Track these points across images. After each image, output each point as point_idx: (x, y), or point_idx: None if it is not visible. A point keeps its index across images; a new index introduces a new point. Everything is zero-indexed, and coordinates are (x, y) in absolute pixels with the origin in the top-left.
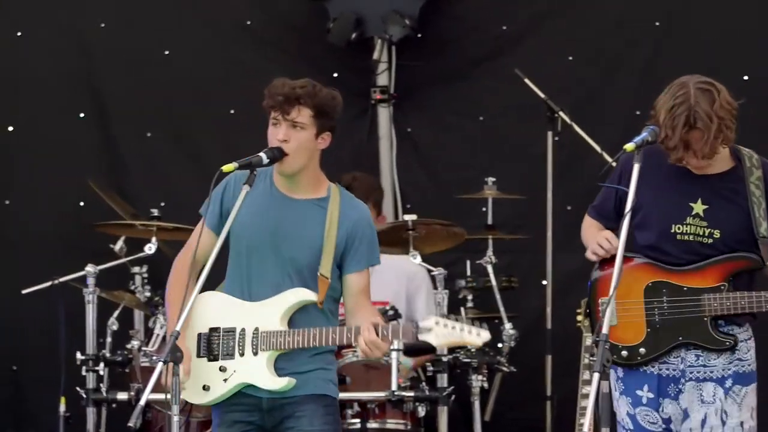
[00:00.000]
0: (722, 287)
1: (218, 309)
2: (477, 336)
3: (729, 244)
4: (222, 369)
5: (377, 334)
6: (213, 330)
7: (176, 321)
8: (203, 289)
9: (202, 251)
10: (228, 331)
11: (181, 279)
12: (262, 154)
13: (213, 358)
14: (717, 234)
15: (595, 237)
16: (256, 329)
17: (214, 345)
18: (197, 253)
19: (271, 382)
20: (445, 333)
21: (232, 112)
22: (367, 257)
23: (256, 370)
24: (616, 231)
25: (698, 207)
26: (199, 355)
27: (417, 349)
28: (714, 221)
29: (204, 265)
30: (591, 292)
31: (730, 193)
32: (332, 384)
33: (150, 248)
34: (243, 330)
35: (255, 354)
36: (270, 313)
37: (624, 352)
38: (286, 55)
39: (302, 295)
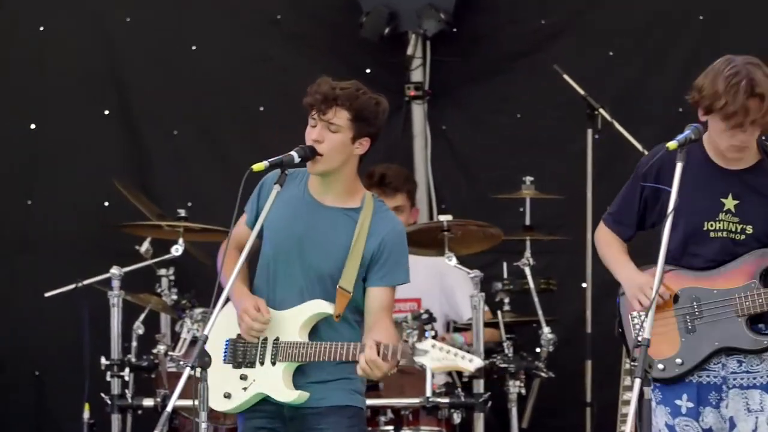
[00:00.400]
0: (752, 285)
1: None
2: (470, 362)
3: (761, 239)
4: (243, 377)
5: (378, 354)
6: (239, 336)
7: (230, 287)
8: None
9: (240, 241)
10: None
11: (229, 256)
12: (293, 153)
13: (237, 365)
14: (749, 230)
15: (628, 275)
16: (277, 339)
17: (239, 352)
18: (240, 245)
19: (284, 394)
20: (440, 356)
21: (261, 109)
22: (391, 274)
23: (272, 381)
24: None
25: (729, 202)
26: (225, 362)
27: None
28: (746, 216)
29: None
30: (620, 308)
31: (760, 186)
32: (357, 394)
33: (177, 250)
34: (265, 339)
35: (273, 364)
36: (291, 324)
37: (660, 365)
38: (317, 50)
39: (319, 307)
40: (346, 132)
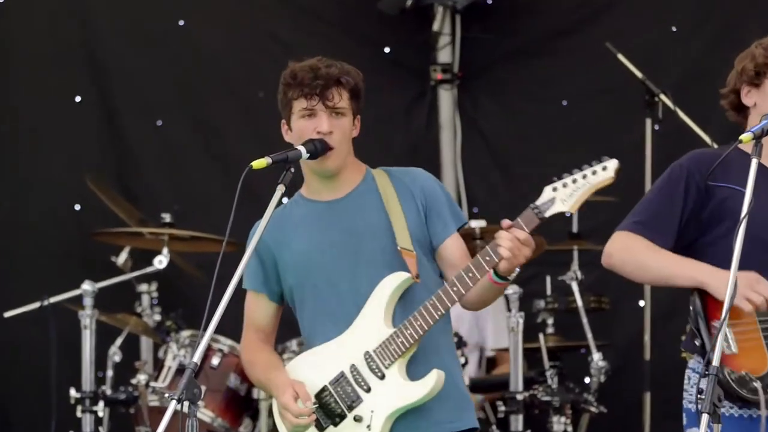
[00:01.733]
0: None
1: (313, 367)
2: (603, 170)
3: None
4: (357, 419)
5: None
6: (322, 392)
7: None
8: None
9: (263, 321)
10: (336, 381)
11: (256, 355)
12: (300, 147)
13: (340, 418)
14: None
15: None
16: (366, 353)
17: (332, 405)
18: (258, 324)
19: (419, 389)
20: (570, 192)
21: (261, 95)
22: (453, 217)
23: (396, 392)
24: (674, 249)
25: None
26: (323, 429)
27: (488, 384)
28: None
29: (273, 334)
30: (696, 314)
31: None
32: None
33: (160, 262)
34: (352, 366)
35: (382, 378)
36: (369, 326)
37: (755, 384)
38: (328, 26)
39: (392, 282)
40: (349, 114)
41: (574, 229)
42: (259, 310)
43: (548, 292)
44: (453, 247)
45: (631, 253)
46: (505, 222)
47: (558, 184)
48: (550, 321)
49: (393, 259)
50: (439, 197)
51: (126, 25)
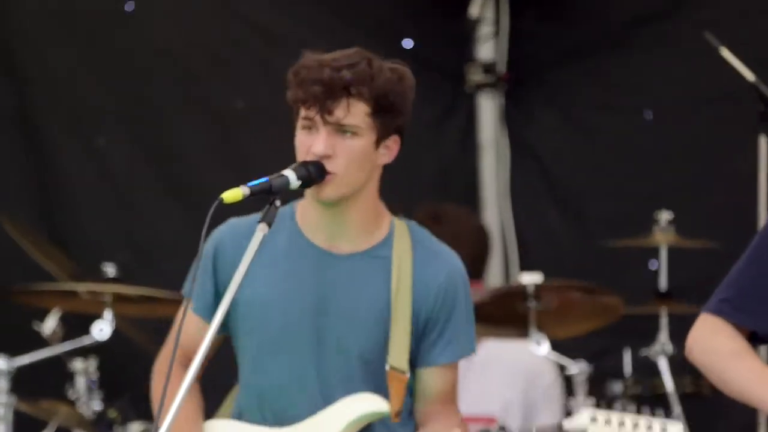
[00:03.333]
0: None
1: None
2: None
3: None
4: None
5: None
6: None
7: None
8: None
9: (189, 348)
10: None
11: (172, 374)
12: (288, 173)
13: None
14: None
15: None
16: None
17: None
18: (187, 346)
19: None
20: None
21: (240, 106)
22: (459, 343)
23: None
24: None
25: None
26: None
27: None
28: None
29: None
30: None
31: None
32: None
33: (101, 330)
34: None
35: None
36: None
37: None
38: (331, 14)
39: (365, 407)
40: (368, 134)
41: (663, 285)
42: (194, 331)
43: (627, 371)
44: (438, 379)
45: (711, 358)
46: None
47: (600, 416)
48: (630, 410)
49: (376, 373)
50: (458, 311)
51: (55, 9)
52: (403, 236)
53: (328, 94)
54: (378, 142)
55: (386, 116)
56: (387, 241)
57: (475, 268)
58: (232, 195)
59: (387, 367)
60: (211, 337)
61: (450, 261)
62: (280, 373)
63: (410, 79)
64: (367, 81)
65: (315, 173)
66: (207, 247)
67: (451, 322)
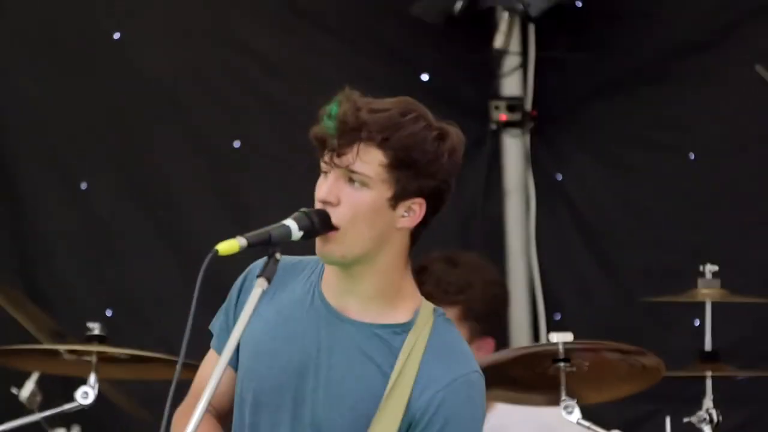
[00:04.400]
0: None
1: None
2: None
3: None
4: None
5: None
6: None
7: None
8: None
9: (217, 394)
10: None
11: (185, 414)
12: (289, 223)
13: None
14: None
15: None
16: None
17: None
18: (192, 392)
19: None
20: None
21: (236, 145)
22: None
23: None
24: None
25: None
26: None
27: None
28: None
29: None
30: None
31: None
32: None
33: (85, 395)
34: None
35: None
36: None
37: None
38: (342, 43)
39: None
40: (380, 188)
41: (708, 346)
42: (211, 373)
43: None
44: None
45: None
46: None
47: None
48: None
49: None
50: (451, 428)
51: (33, 38)
52: (425, 324)
53: (340, 133)
54: (394, 201)
55: (406, 173)
56: (405, 327)
57: (488, 323)
58: (228, 247)
59: None
60: (220, 372)
61: (462, 365)
62: (259, 425)
63: (455, 140)
64: (389, 128)
65: (318, 224)
66: (238, 279)
67: None
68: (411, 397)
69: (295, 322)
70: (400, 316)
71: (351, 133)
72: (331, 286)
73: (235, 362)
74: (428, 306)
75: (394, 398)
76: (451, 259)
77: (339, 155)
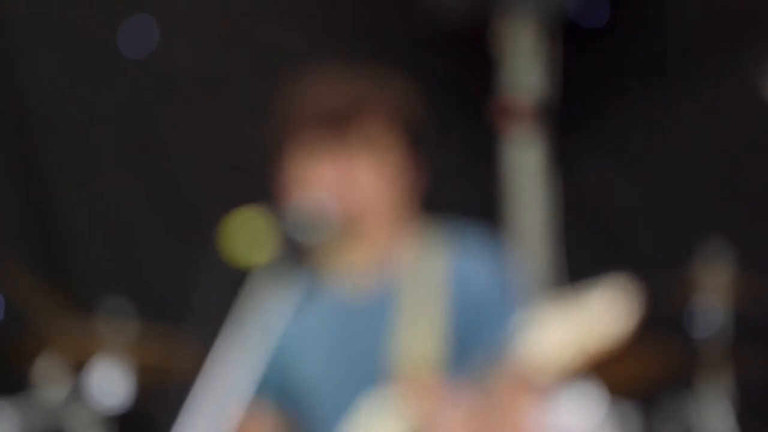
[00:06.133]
0: None
1: None
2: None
3: None
4: None
5: None
6: None
7: None
8: None
9: None
10: None
11: None
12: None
13: None
14: None
15: None
16: None
17: None
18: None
19: None
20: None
21: (255, 141)
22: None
23: None
24: None
25: None
26: None
27: None
28: None
29: None
30: None
31: None
32: None
33: (100, 378)
34: None
35: None
36: None
37: None
38: (347, 46)
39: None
40: (389, 157)
41: (723, 334)
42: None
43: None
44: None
45: None
46: None
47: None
48: None
49: None
50: (497, 301)
51: (52, 38)
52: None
53: (342, 112)
54: (392, 163)
55: (401, 133)
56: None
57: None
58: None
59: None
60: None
61: (479, 255)
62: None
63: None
64: (382, 88)
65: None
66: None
67: (497, 311)
68: (453, 297)
69: (321, 327)
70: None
71: (355, 106)
72: (339, 266)
73: (273, 394)
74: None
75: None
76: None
77: (335, 137)
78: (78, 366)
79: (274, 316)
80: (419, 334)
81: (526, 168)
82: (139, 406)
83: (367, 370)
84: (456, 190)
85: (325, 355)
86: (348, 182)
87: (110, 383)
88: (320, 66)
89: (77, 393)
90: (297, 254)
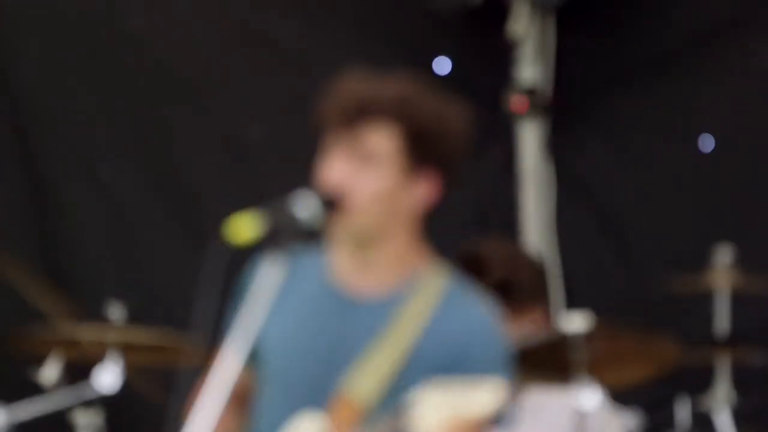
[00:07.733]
0: None
1: None
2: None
3: None
4: None
5: None
6: None
7: None
8: None
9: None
10: None
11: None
12: (290, 206)
13: None
14: None
15: None
16: None
17: None
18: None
19: None
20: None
21: (258, 133)
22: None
23: None
24: None
25: None
26: None
27: None
28: None
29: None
30: None
31: None
32: None
33: (104, 380)
34: None
35: None
36: None
37: None
38: (358, 33)
39: None
40: (393, 163)
41: (725, 330)
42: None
43: (687, 423)
44: None
45: None
46: None
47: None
48: None
49: None
50: (477, 362)
51: (54, 28)
52: (433, 281)
53: (352, 112)
54: (407, 175)
55: (419, 146)
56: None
57: (545, 304)
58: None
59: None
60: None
61: (476, 317)
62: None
63: (461, 114)
64: (402, 102)
65: (330, 209)
66: (242, 280)
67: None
68: (425, 338)
69: (314, 312)
70: (405, 280)
71: (364, 110)
72: (344, 266)
73: (250, 361)
74: (436, 265)
75: (394, 339)
76: (490, 248)
77: (350, 133)
78: (78, 366)
79: (266, 291)
80: (373, 367)
81: (531, 150)
82: (139, 405)
83: (330, 366)
84: (469, 175)
85: (301, 330)
86: (354, 179)
87: (110, 383)
88: (354, 68)
89: (78, 393)
90: (298, 235)
